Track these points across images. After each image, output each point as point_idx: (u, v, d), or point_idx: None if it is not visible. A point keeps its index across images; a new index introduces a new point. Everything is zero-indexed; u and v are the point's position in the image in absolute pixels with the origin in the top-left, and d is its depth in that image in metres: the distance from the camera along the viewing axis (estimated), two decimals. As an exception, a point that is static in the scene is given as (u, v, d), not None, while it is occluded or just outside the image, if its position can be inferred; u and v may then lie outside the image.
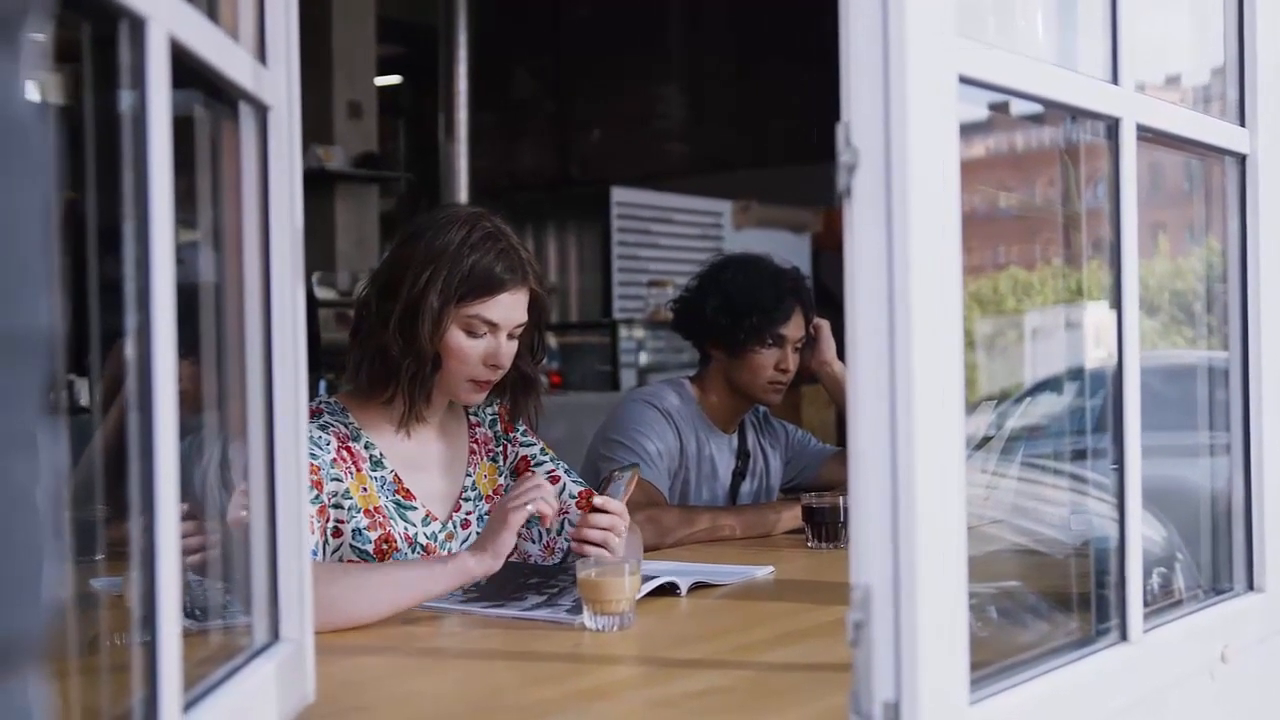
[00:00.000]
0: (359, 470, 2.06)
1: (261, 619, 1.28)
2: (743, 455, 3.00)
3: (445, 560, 1.90)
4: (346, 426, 2.08)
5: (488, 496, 2.21)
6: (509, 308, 2.06)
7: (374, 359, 2.06)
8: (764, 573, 2.24)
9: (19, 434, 0.52)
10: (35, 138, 0.54)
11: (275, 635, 1.29)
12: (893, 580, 1.10)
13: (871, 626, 1.10)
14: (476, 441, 2.24)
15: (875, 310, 1.10)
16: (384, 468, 2.09)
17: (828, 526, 2.54)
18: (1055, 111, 1.49)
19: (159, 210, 0.95)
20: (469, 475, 2.20)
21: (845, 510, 2.54)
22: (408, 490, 2.10)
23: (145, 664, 0.94)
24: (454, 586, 1.89)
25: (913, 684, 1.09)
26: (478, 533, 2.14)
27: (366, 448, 2.08)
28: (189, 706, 1.02)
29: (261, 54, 1.28)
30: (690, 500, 2.87)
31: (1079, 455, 1.85)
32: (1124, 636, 1.43)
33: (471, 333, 2.05)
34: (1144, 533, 1.49)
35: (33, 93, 0.56)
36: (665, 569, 2.09)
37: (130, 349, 0.95)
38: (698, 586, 2.07)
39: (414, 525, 2.08)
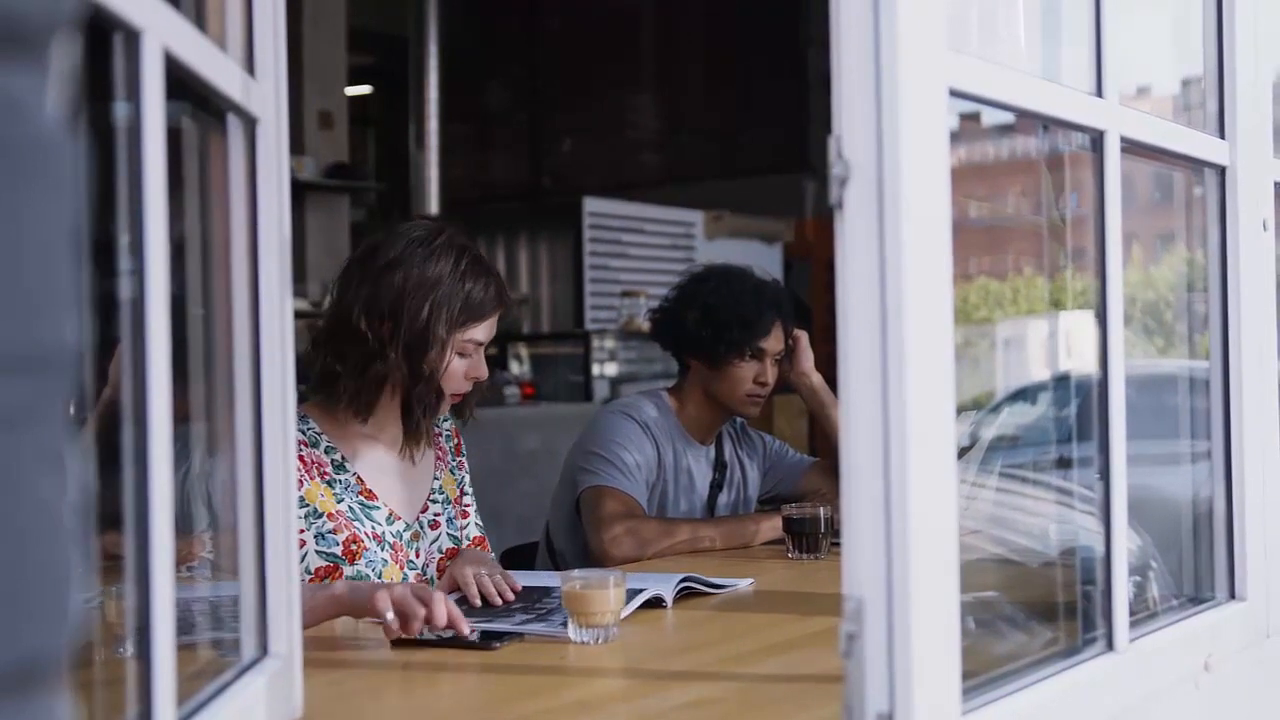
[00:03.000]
0: (321, 474, 2.12)
1: (250, 634, 1.28)
2: (720, 467, 3.00)
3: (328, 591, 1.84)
4: (304, 433, 2.14)
5: (453, 501, 2.31)
6: (493, 326, 2.21)
7: (374, 386, 2.12)
8: (745, 584, 2.24)
9: (47, 451, 0.52)
10: (63, 155, 0.54)
11: (264, 650, 1.28)
12: (886, 592, 1.10)
13: (864, 638, 1.10)
14: (441, 449, 2.34)
15: (867, 321, 1.10)
16: (347, 471, 2.16)
17: (808, 537, 2.54)
18: (1029, 121, 1.50)
19: (153, 221, 0.94)
20: (436, 479, 2.29)
21: (825, 521, 2.54)
22: (370, 491, 2.17)
23: (140, 679, 0.94)
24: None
25: (906, 695, 1.09)
26: (447, 533, 2.26)
27: (327, 452, 2.15)
28: (181, 723, 1.01)
29: (250, 66, 1.27)
30: (668, 512, 2.87)
31: (1056, 464, 1.85)
32: (1110, 646, 1.44)
33: (463, 354, 2.17)
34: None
35: (57, 110, 0.55)
36: (648, 580, 2.08)
37: (124, 361, 0.94)
38: (685, 593, 2.07)
39: (379, 524, 2.15)
